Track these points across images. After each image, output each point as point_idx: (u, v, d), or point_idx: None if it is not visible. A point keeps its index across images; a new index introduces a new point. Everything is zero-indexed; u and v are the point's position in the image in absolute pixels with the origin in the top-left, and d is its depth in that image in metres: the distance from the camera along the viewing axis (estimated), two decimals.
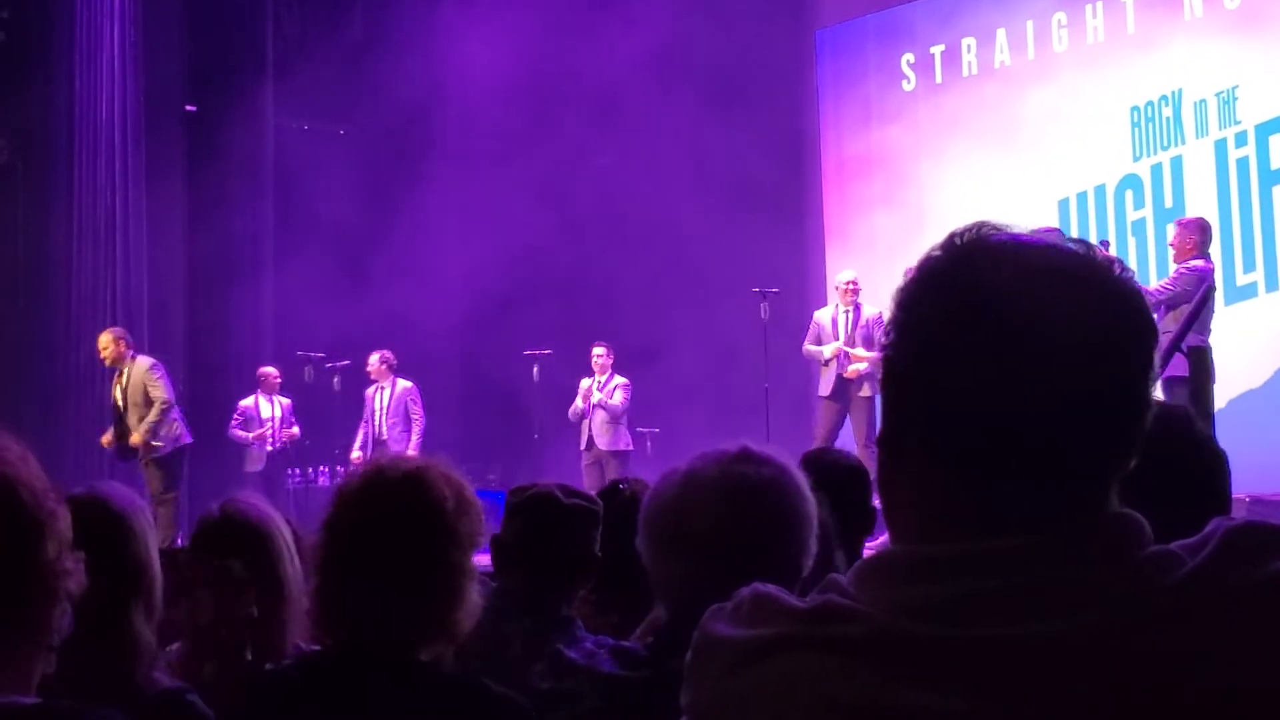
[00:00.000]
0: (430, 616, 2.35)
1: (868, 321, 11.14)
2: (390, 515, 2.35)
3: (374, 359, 12.88)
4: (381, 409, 12.88)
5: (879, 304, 10.90)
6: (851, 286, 11.34)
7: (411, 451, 12.52)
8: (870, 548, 3.52)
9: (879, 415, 1.29)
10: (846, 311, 11.28)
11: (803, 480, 2.23)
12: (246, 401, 12.76)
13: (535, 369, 12.87)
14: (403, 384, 12.89)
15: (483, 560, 3.49)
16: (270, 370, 12.91)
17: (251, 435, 12.62)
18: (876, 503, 3.83)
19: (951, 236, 1.24)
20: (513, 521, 3.25)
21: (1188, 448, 2.16)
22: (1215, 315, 9.17)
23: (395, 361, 12.90)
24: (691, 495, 2.20)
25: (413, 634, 2.35)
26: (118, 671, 2.44)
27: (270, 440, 12.65)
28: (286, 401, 12.91)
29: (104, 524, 2.49)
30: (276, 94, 14.26)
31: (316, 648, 2.62)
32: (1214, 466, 2.27)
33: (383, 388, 12.90)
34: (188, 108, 13.91)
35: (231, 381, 13.09)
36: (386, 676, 2.31)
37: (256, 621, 2.81)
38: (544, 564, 3.19)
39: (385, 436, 12.75)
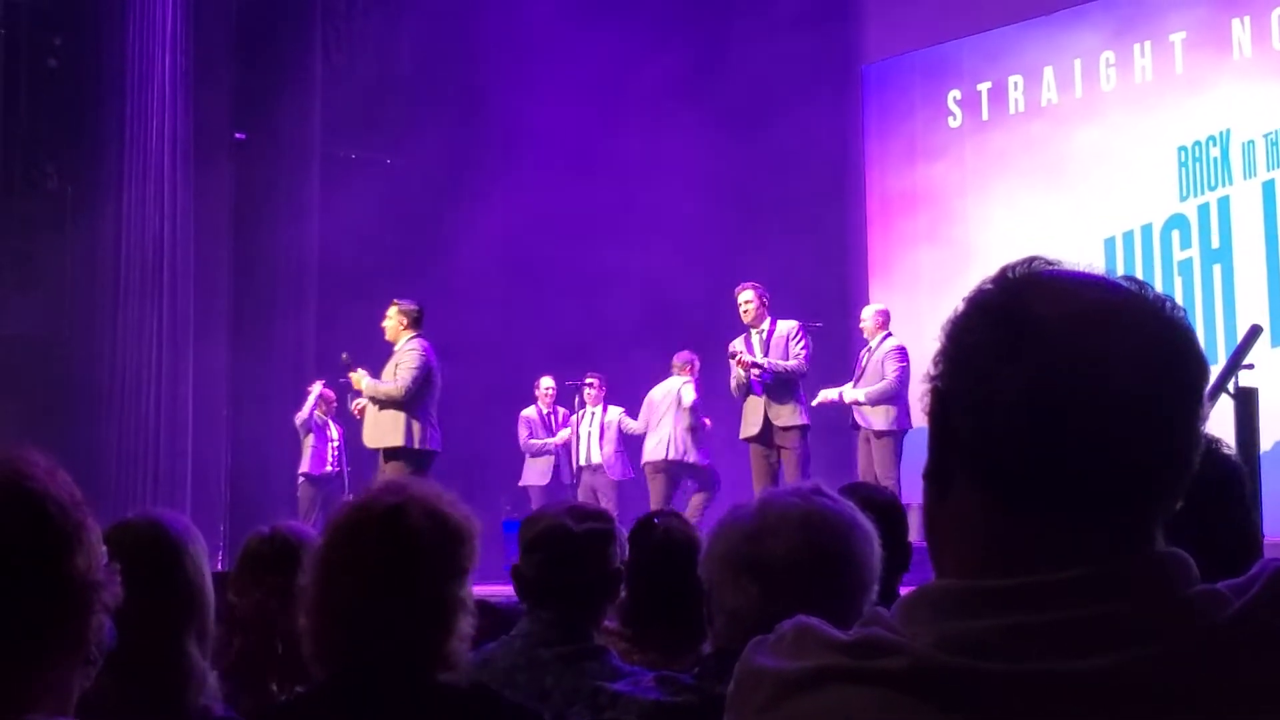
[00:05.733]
0: (420, 647, 2.35)
1: (779, 335, 10.50)
2: (369, 550, 2.35)
3: (593, 382, 13.00)
4: (587, 435, 12.93)
5: (925, 341, 10.76)
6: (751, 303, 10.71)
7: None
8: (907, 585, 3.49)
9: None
10: (759, 333, 10.68)
11: (871, 526, 2.26)
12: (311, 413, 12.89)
13: (577, 399, 12.88)
14: (615, 410, 12.93)
15: (508, 589, 3.50)
16: (328, 392, 12.95)
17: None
18: (913, 539, 3.81)
19: (1004, 270, 1.24)
20: (530, 556, 3.24)
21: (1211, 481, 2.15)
22: (1262, 358, 9.06)
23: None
24: (769, 521, 2.23)
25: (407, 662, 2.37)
26: (169, 695, 2.47)
27: (332, 462, 12.73)
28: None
29: (159, 548, 2.53)
30: (324, 123, 14.36)
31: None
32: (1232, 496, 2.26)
33: (593, 414, 12.96)
34: (236, 135, 14.02)
35: (274, 407, 13.12)
36: (400, 694, 2.33)
37: (291, 649, 2.82)
38: (568, 593, 3.20)
39: (599, 461, 12.84)
